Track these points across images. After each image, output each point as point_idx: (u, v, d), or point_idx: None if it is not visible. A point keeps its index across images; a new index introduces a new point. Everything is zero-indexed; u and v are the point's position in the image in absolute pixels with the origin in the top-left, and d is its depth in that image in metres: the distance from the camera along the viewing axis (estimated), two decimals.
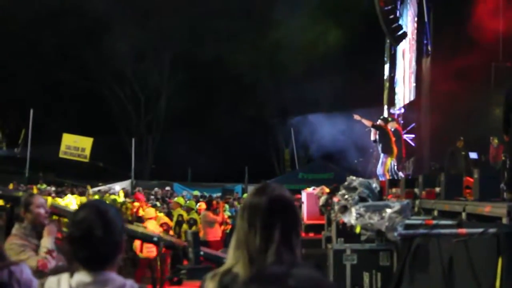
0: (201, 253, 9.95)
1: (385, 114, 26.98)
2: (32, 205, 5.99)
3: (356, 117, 18.05)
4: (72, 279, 2.78)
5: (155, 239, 11.48)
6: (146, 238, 12.05)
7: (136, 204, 20.42)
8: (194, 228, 17.73)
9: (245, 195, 31.82)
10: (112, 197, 24.15)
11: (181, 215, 18.43)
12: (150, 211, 16.61)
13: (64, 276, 2.81)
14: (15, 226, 6.01)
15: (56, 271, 4.49)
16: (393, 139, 18.03)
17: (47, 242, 5.73)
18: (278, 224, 2.77)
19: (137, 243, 14.55)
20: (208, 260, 10.18)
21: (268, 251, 2.73)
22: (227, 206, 22.49)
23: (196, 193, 28.14)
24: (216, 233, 17.58)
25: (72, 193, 23.54)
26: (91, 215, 2.84)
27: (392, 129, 18.98)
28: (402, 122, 25.58)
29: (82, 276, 2.77)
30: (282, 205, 2.83)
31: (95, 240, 2.79)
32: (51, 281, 2.83)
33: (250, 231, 2.77)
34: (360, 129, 23.32)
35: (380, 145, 17.76)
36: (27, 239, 5.90)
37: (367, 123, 17.85)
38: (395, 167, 18.63)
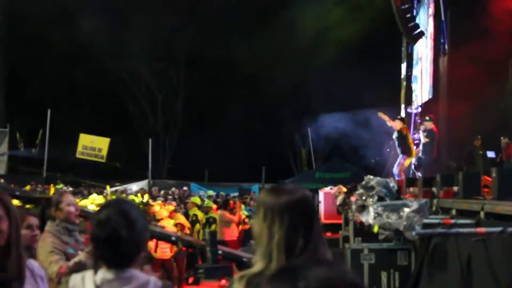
0: (220, 252, 9.92)
1: (402, 114, 26.90)
2: (63, 203, 6.10)
3: (383, 116, 17.81)
4: (96, 276, 2.79)
5: (173, 238, 11.45)
6: (165, 238, 12.01)
7: (156, 207, 20.39)
8: (213, 226, 17.84)
9: None
10: (130, 197, 24.20)
11: (195, 215, 18.49)
12: (162, 212, 16.62)
13: (88, 274, 2.83)
14: (48, 224, 6.11)
15: (79, 268, 4.52)
16: (411, 139, 17.93)
17: (83, 256, 5.77)
18: (316, 223, 2.84)
19: (151, 243, 14.51)
20: (226, 259, 10.13)
21: (306, 250, 2.74)
22: (243, 206, 22.53)
23: (210, 192, 28.15)
24: (233, 233, 17.58)
25: (90, 193, 23.62)
26: (115, 216, 2.84)
27: (428, 128, 18.82)
28: (419, 121, 25.46)
29: (106, 274, 2.79)
30: (313, 204, 2.93)
31: (120, 240, 2.80)
32: (75, 278, 2.85)
33: (291, 231, 2.76)
34: (376, 128, 23.25)
35: (398, 145, 17.64)
36: (59, 237, 6.02)
37: (394, 124, 17.55)
38: (413, 166, 18.55)
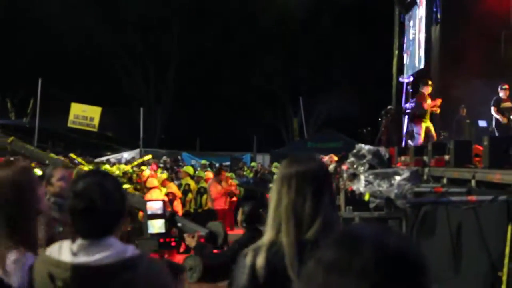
0: (179, 224, 9.81)
1: (394, 83, 26.81)
2: (54, 178, 5.94)
3: None
4: (73, 244, 2.78)
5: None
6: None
7: (146, 173, 20.34)
8: (205, 196, 17.93)
9: (253, 164, 31.77)
10: (121, 166, 24.13)
11: (188, 184, 18.50)
12: (153, 181, 16.57)
13: (66, 242, 2.82)
14: None
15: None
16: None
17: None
18: (327, 189, 2.89)
19: (141, 213, 14.42)
20: (183, 232, 9.92)
21: (318, 216, 2.82)
22: (233, 175, 22.55)
23: (204, 162, 28.14)
24: (221, 202, 17.65)
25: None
26: (92, 186, 2.82)
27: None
28: (411, 90, 25.39)
29: (83, 241, 2.78)
30: (327, 170, 3.02)
31: (96, 211, 2.79)
32: (53, 247, 2.84)
33: (298, 198, 2.84)
34: (368, 98, 23.23)
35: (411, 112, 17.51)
36: (49, 213, 5.82)
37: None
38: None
